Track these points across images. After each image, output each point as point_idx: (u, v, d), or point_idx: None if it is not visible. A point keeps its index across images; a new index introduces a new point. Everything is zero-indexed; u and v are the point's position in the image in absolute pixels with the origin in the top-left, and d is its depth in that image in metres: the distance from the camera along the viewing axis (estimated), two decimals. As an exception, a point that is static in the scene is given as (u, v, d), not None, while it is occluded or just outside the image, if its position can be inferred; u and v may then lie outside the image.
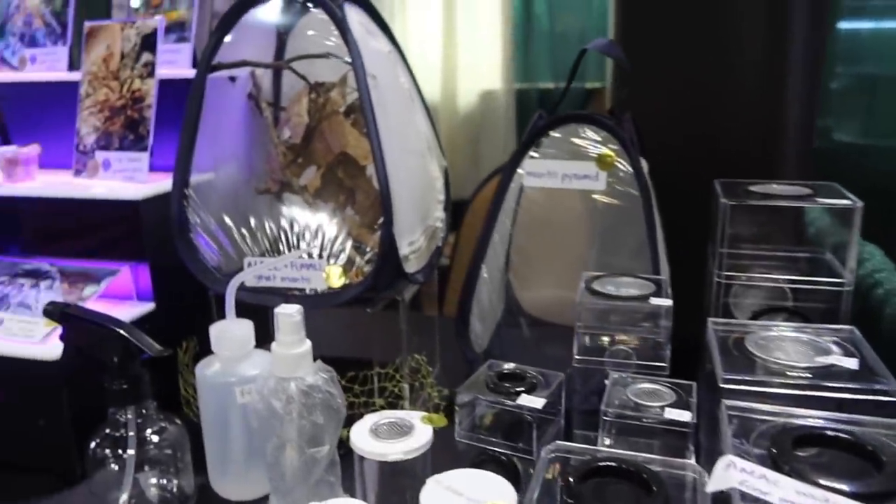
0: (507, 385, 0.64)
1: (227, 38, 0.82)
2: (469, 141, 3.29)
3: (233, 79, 0.87)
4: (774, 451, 0.46)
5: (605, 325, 0.72)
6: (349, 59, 0.78)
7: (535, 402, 0.61)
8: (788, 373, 0.58)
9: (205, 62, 0.81)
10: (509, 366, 0.67)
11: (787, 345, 0.63)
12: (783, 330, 0.65)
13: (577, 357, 0.72)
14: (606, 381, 0.69)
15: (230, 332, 0.68)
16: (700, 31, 1.05)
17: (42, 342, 0.73)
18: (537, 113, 0.90)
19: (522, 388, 0.63)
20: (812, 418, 0.51)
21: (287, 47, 0.94)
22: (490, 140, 3.27)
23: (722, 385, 0.56)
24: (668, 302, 0.69)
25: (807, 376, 0.57)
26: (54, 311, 0.64)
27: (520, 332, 1.04)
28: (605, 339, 0.73)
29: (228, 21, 0.82)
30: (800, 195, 0.78)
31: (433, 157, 0.96)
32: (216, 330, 0.68)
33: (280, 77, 0.96)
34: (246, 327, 0.69)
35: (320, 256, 0.85)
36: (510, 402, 0.61)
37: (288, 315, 0.61)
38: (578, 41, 3.43)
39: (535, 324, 1.03)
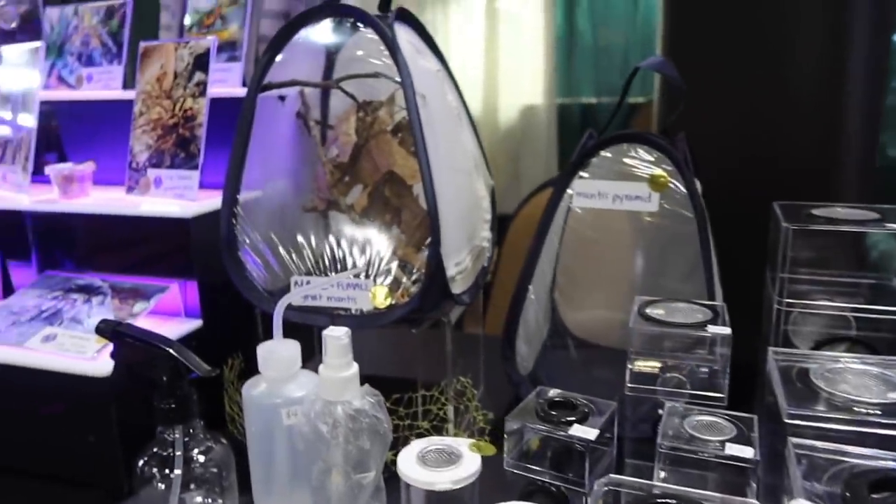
0: (557, 413, 0.62)
1: (278, 58, 0.82)
2: (510, 156, 3.28)
3: (282, 98, 0.88)
4: (848, 495, 0.44)
5: (658, 351, 0.69)
6: (398, 79, 0.78)
7: (588, 432, 0.59)
8: (857, 409, 0.55)
9: (256, 82, 0.81)
10: (559, 393, 0.66)
11: (855, 378, 0.60)
12: (849, 361, 0.62)
13: (629, 385, 0.69)
14: (660, 410, 0.67)
15: (277, 353, 0.67)
16: (753, 44, 1.02)
17: (93, 358, 0.73)
18: (587, 132, 0.89)
19: (574, 418, 0.61)
20: (886, 459, 0.48)
21: (336, 66, 0.94)
22: (531, 155, 3.26)
23: (787, 420, 0.54)
24: (726, 330, 0.66)
25: (877, 413, 0.54)
26: (106, 329, 0.64)
27: (566, 353, 1.02)
28: (658, 366, 0.70)
29: (279, 41, 0.82)
30: (867, 220, 0.74)
31: (480, 176, 0.95)
32: (263, 350, 0.68)
33: (328, 96, 0.97)
34: (293, 348, 0.69)
35: (367, 276, 0.84)
36: (562, 433, 0.59)
37: (336, 338, 0.61)
38: (622, 56, 3.40)
39: (581, 345, 1.01)
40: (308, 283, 0.82)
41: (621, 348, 0.99)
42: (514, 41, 3.26)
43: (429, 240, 0.79)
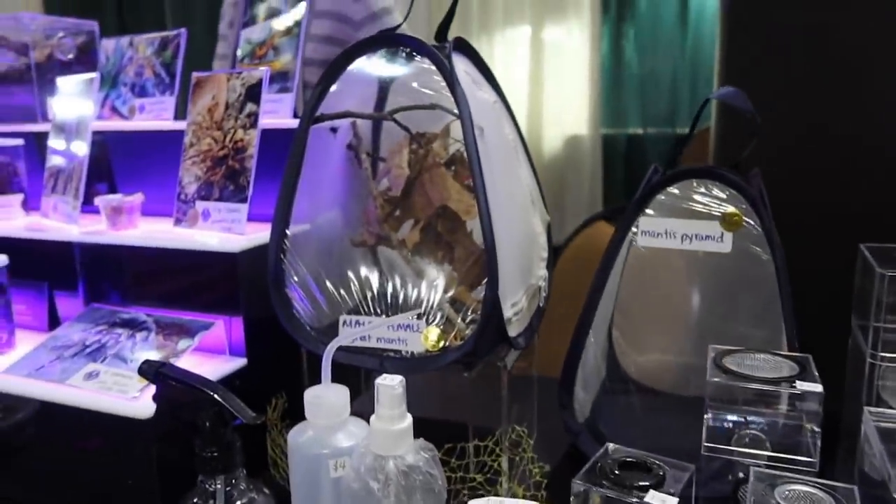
0: (630, 476, 0.56)
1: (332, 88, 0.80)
2: (554, 186, 3.23)
3: (334, 130, 0.85)
4: None
5: (739, 408, 0.63)
6: (455, 111, 0.75)
7: (667, 500, 0.53)
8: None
9: (308, 114, 0.79)
10: (630, 452, 0.60)
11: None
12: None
13: (706, 444, 0.63)
14: (741, 473, 0.61)
15: (325, 399, 0.64)
16: (825, 72, 0.96)
17: (135, 399, 0.71)
18: (652, 166, 0.84)
19: (649, 483, 0.55)
20: None
21: (388, 97, 0.92)
22: (575, 186, 3.20)
23: (899, 497, 0.47)
24: (817, 387, 0.60)
25: None
26: (149, 371, 0.61)
27: (625, 399, 0.96)
28: (738, 422, 0.64)
29: (333, 72, 0.80)
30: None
31: (536, 211, 0.91)
32: (311, 396, 0.64)
33: (380, 127, 0.94)
34: (342, 394, 0.65)
35: (419, 317, 0.80)
36: (636, 499, 0.54)
37: (390, 387, 0.56)
38: (669, 86, 3.34)
39: (641, 390, 0.95)
40: (357, 322, 0.78)
41: (685, 395, 0.94)
42: (559, 71, 3.24)
43: (484, 279, 0.74)
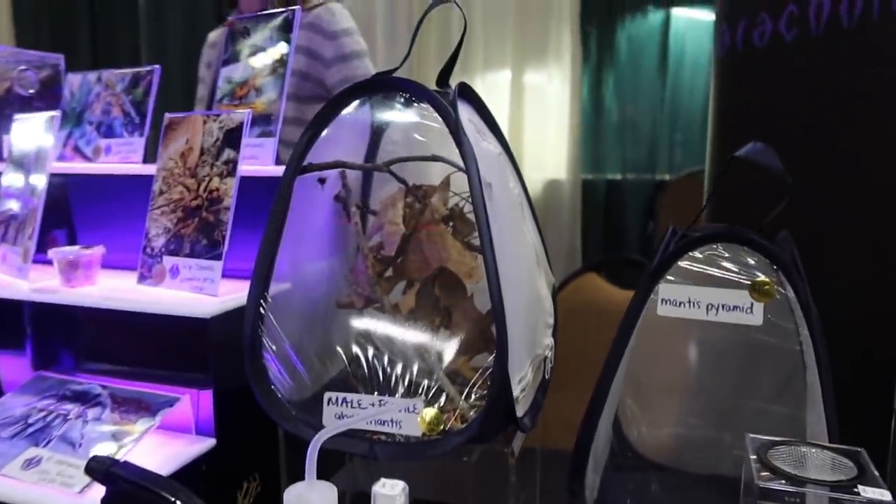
0: None
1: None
2: (533, 232, 3.17)
3: (322, 180, 0.77)
4: None
5: (788, 513, 0.55)
6: (460, 163, 0.67)
7: None
8: None
9: (295, 162, 0.70)
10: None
11: None
12: None
13: (753, 558, 0.55)
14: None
15: (310, 501, 0.54)
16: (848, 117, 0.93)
17: (81, 495, 0.60)
18: (670, 229, 0.77)
19: None
20: None
21: (381, 145, 0.84)
22: (554, 231, 3.16)
23: None
24: (885, 495, 0.52)
25: None
26: (98, 469, 0.51)
27: (634, 477, 0.87)
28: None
29: (322, 118, 0.72)
30: None
31: (542, 272, 0.83)
32: (293, 497, 0.54)
33: (371, 178, 0.86)
34: (328, 494, 0.55)
35: (413, 392, 0.71)
36: None
37: (389, 497, 0.47)
38: (649, 132, 3.35)
39: (649, 467, 0.87)
40: (344, 401, 0.68)
41: (695, 472, 0.86)
42: (540, 115, 3.23)
43: (485, 349, 0.66)
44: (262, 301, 0.71)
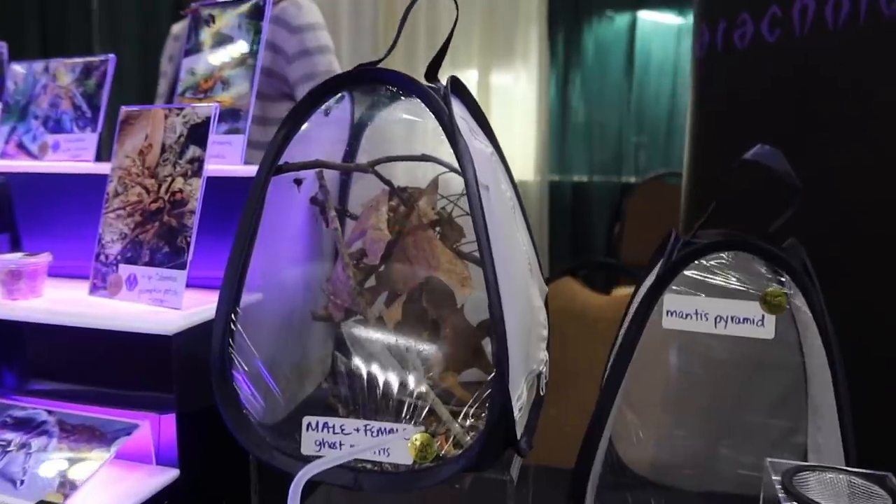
0: None
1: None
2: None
3: (298, 181, 0.70)
4: None
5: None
6: (454, 164, 0.61)
7: None
8: None
9: (269, 161, 0.63)
10: None
11: None
12: None
13: None
14: None
15: (292, 548, 0.47)
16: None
17: (23, 543, 0.52)
18: (672, 233, 0.72)
19: None
20: None
21: (361, 143, 0.77)
22: (522, 232, 3.12)
23: None
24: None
25: None
26: (43, 518, 0.44)
27: (624, 496, 0.83)
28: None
29: (300, 113, 0.65)
30: None
31: (535, 281, 0.77)
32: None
33: (349, 179, 0.79)
34: (313, 539, 0.48)
35: (402, 413, 0.65)
36: None
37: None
38: (615, 134, 3.34)
39: (643, 486, 0.83)
40: (325, 426, 0.62)
41: (691, 489, 0.82)
42: (507, 116, 3.19)
43: (478, 369, 0.60)
44: (232, 315, 0.63)
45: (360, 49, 2.99)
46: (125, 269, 0.71)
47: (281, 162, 0.64)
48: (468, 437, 0.62)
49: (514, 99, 3.27)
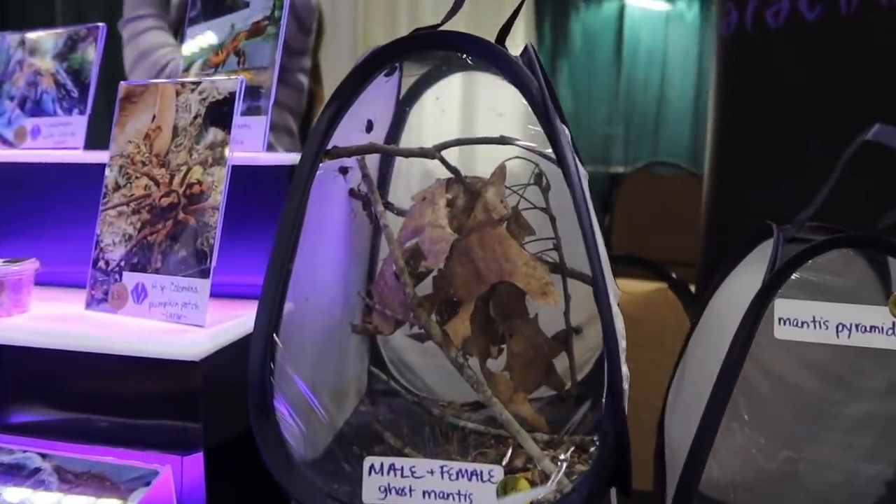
0: None
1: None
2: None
3: (344, 170, 0.59)
4: None
5: None
6: (541, 150, 0.50)
7: None
8: None
9: (316, 146, 0.52)
10: None
11: None
12: None
13: None
14: None
15: None
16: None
17: None
18: (776, 230, 0.62)
19: None
20: None
21: (408, 122, 0.66)
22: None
23: None
24: None
25: None
26: None
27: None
28: None
29: (352, 87, 0.54)
30: None
31: (612, 283, 0.67)
32: None
33: (390, 167, 0.68)
34: None
35: (469, 446, 0.55)
36: None
37: None
38: (603, 125, 3.27)
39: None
40: (395, 470, 0.51)
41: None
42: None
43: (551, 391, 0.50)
44: (273, 331, 0.52)
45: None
46: (131, 278, 0.58)
47: (330, 146, 0.53)
48: (560, 475, 0.52)
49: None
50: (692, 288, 1.38)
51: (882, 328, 0.57)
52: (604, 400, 0.49)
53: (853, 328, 0.57)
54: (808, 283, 0.61)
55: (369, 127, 0.61)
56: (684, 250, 2.32)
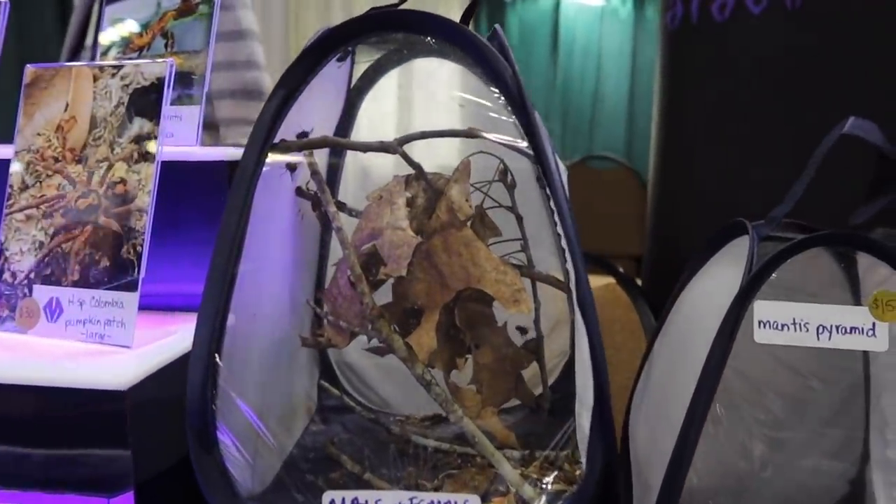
0: None
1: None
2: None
3: (292, 166, 0.52)
4: None
5: None
6: (517, 142, 0.46)
7: None
8: None
9: (261, 140, 0.45)
10: None
11: None
12: None
13: None
14: None
15: None
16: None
17: None
18: (751, 228, 0.60)
19: None
20: None
21: (356, 112, 0.60)
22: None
23: None
24: None
25: None
26: None
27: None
28: None
29: (301, 72, 0.47)
30: None
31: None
32: None
33: (340, 162, 0.62)
34: None
35: (435, 467, 0.49)
36: None
37: None
38: (541, 118, 3.27)
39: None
40: (355, 502, 0.45)
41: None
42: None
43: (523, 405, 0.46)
44: (215, 351, 0.45)
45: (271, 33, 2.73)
46: (43, 293, 0.50)
47: (278, 139, 0.47)
48: (543, 500, 0.47)
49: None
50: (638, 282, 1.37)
51: (863, 329, 0.55)
52: (587, 418, 0.45)
53: (833, 330, 0.55)
54: (774, 281, 0.59)
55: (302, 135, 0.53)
56: (623, 244, 2.33)
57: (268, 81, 1.26)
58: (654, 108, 1.24)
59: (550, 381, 0.62)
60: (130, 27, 0.65)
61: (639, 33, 3.14)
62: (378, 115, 0.64)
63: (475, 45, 0.45)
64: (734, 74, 1.03)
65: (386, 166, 0.57)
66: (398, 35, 0.50)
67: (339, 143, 0.53)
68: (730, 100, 1.04)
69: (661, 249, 1.22)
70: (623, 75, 3.19)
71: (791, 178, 0.61)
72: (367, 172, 0.62)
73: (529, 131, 0.44)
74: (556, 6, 3.23)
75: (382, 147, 0.51)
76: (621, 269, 1.44)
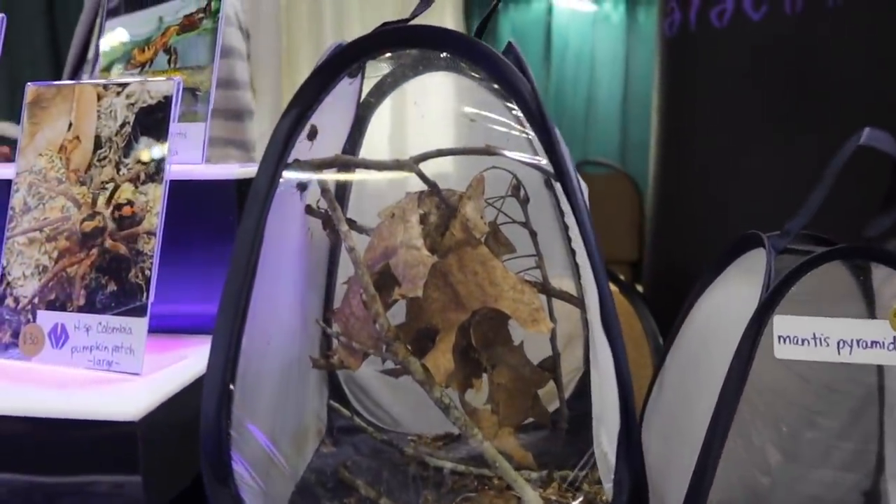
0: None
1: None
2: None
3: (303, 185, 0.51)
4: None
5: None
6: (533, 158, 0.45)
7: None
8: None
9: (275, 159, 0.44)
10: None
11: None
12: None
13: None
14: None
15: None
16: None
17: None
18: (766, 240, 0.59)
19: None
20: None
21: (365, 129, 0.59)
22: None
23: None
24: None
25: None
26: None
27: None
28: None
29: (314, 90, 0.46)
30: None
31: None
32: None
33: (349, 181, 0.61)
34: None
35: (452, 490, 0.48)
36: None
37: None
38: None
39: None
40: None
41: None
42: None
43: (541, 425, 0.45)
44: (229, 380, 0.44)
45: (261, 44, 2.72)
46: (48, 318, 0.49)
47: (291, 158, 0.45)
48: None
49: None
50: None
51: (884, 343, 0.54)
52: (606, 437, 0.44)
53: (854, 344, 0.54)
54: (788, 294, 0.58)
55: (312, 134, 0.52)
56: (618, 249, 2.33)
57: (249, 100, 1.24)
58: (653, 116, 1.24)
59: (566, 396, 0.61)
60: (133, 42, 0.63)
61: (631, 38, 3.15)
62: (385, 131, 0.63)
63: (492, 61, 0.44)
64: (733, 81, 1.03)
65: (384, 180, 0.56)
66: (411, 51, 0.48)
67: (354, 162, 0.52)
68: (729, 107, 1.04)
69: (663, 257, 1.22)
70: (616, 80, 3.19)
71: (793, 185, 0.60)
72: (363, 185, 0.61)
73: (550, 148, 0.43)
74: (549, 11, 3.23)
75: (398, 165, 0.50)
76: (621, 277, 1.43)
